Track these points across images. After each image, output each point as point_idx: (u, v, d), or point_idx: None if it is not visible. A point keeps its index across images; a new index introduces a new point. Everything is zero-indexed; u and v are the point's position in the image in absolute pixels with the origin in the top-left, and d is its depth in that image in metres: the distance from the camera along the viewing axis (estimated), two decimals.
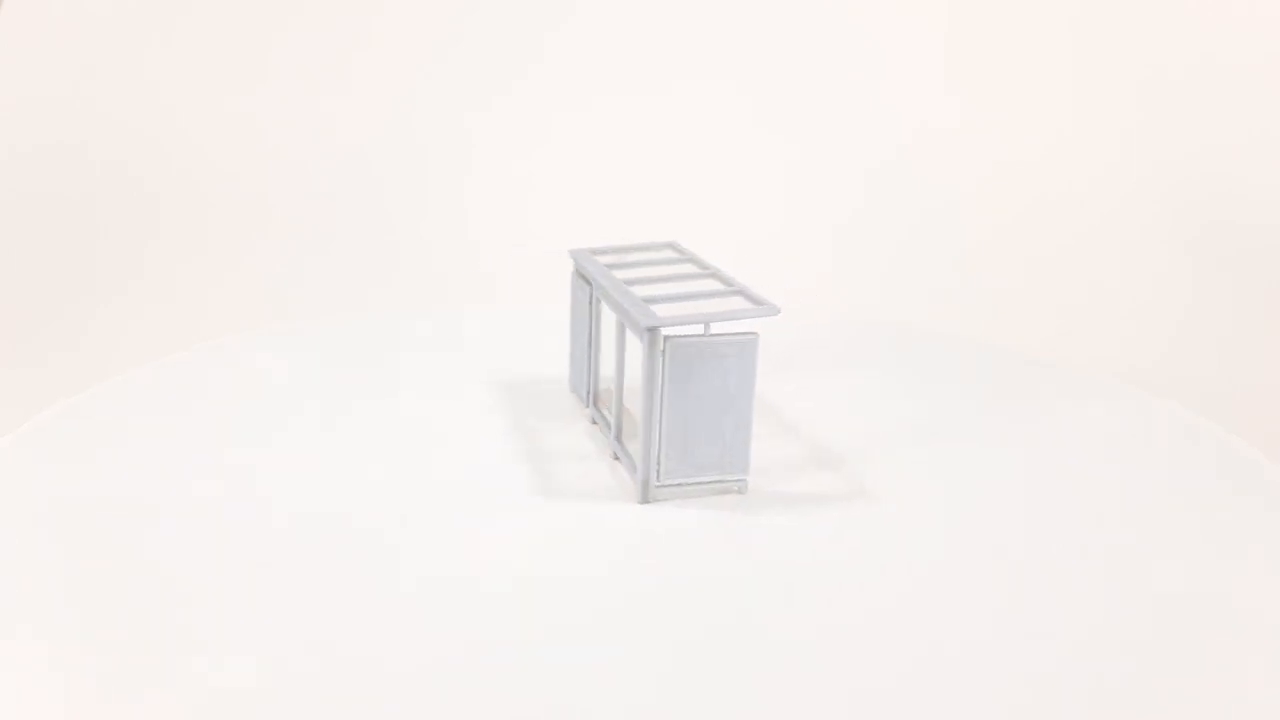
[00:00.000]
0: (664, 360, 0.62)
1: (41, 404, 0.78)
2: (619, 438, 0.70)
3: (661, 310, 0.63)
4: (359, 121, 1.50)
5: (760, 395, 0.80)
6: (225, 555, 0.59)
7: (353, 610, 0.54)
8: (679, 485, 0.65)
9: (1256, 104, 1.38)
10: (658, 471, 0.64)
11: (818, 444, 0.74)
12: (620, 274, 0.71)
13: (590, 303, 0.74)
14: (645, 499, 0.65)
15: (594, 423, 0.76)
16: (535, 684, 0.49)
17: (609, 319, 0.72)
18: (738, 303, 0.66)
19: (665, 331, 0.62)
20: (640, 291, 0.67)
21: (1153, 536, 0.64)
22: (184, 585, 0.56)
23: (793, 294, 0.74)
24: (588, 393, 0.76)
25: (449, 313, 1.05)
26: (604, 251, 0.78)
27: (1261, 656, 0.53)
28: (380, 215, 1.48)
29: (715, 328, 0.63)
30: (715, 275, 0.72)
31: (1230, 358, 1.30)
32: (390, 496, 0.66)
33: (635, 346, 0.64)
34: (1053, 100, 1.46)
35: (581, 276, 0.76)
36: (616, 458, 0.70)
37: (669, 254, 0.78)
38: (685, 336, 0.62)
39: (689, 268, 0.74)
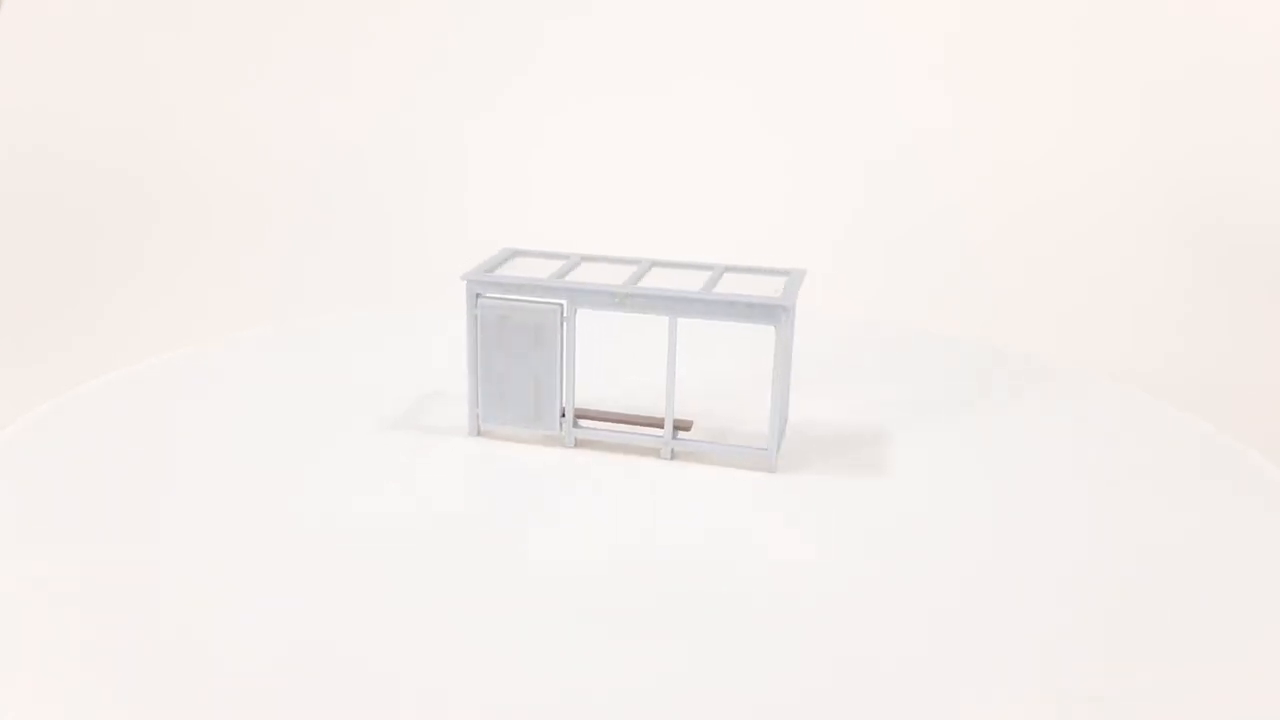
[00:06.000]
0: (782, 337, 0.67)
1: (41, 402, 0.78)
2: (676, 434, 0.71)
3: (771, 292, 0.68)
4: (358, 122, 1.50)
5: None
6: (226, 554, 0.59)
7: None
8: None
9: (1256, 104, 1.38)
10: (778, 444, 0.70)
11: (819, 444, 0.74)
12: (582, 278, 0.71)
13: (560, 320, 0.70)
14: (774, 468, 0.70)
15: (575, 444, 0.73)
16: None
17: (601, 332, 0.74)
18: (773, 276, 0.72)
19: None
20: (675, 286, 0.69)
21: (1152, 536, 0.64)
22: (182, 581, 0.56)
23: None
24: (561, 416, 0.72)
25: (453, 312, 1.04)
26: (491, 268, 0.74)
27: (1261, 655, 0.53)
28: (379, 215, 1.48)
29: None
30: (655, 262, 0.75)
31: (1230, 358, 1.30)
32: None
33: (726, 337, 0.71)
34: (1053, 100, 1.46)
35: (518, 299, 0.71)
36: (674, 455, 0.71)
37: (542, 260, 0.76)
38: (786, 308, 0.68)
39: (615, 265, 0.74)
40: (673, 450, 0.71)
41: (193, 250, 1.43)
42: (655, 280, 0.71)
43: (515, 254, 0.77)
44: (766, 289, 0.68)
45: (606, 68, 1.51)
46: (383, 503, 0.65)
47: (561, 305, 0.71)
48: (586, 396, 0.75)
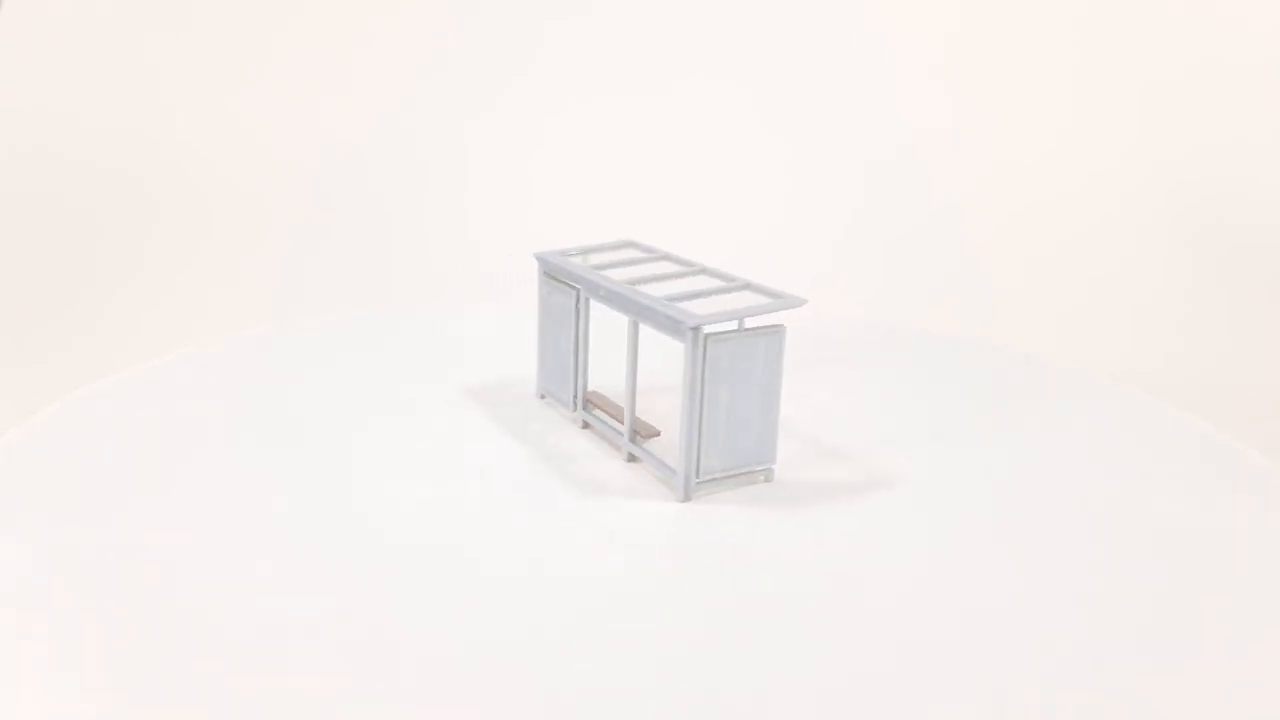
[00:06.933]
0: (704, 358, 0.63)
1: (42, 404, 0.78)
2: (633, 439, 0.70)
3: (697, 309, 0.64)
4: (358, 122, 1.50)
5: None
6: (226, 555, 0.59)
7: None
8: (714, 480, 0.66)
9: (1256, 104, 1.38)
10: (697, 469, 0.65)
11: (821, 443, 0.74)
12: (614, 274, 0.71)
13: (576, 305, 0.73)
14: (687, 497, 0.65)
15: (585, 426, 0.76)
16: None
17: (604, 321, 0.72)
18: (759, 297, 0.67)
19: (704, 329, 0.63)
20: (654, 291, 0.68)
21: (1152, 535, 0.64)
22: (183, 584, 0.56)
23: (792, 294, 0.74)
24: (574, 396, 0.75)
25: (453, 312, 1.05)
26: (570, 253, 0.77)
27: (1260, 654, 0.53)
28: (379, 215, 1.48)
29: (746, 322, 0.64)
30: (705, 271, 0.73)
31: (1230, 358, 1.30)
32: (405, 499, 0.66)
33: (658, 347, 0.65)
34: (1053, 100, 1.46)
35: (557, 280, 0.75)
36: (632, 458, 0.70)
37: (634, 252, 0.78)
38: (721, 333, 0.64)
39: (671, 265, 0.74)
40: (630, 454, 0.71)
41: (193, 250, 1.43)
42: (670, 285, 0.70)
43: (628, 244, 0.80)
44: (719, 306, 0.66)
45: (606, 68, 1.51)
46: (381, 500, 0.65)
47: (578, 291, 0.72)
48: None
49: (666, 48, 1.51)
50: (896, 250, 1.44)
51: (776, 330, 0.65)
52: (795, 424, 0.77)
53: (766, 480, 0.68)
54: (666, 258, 0.76)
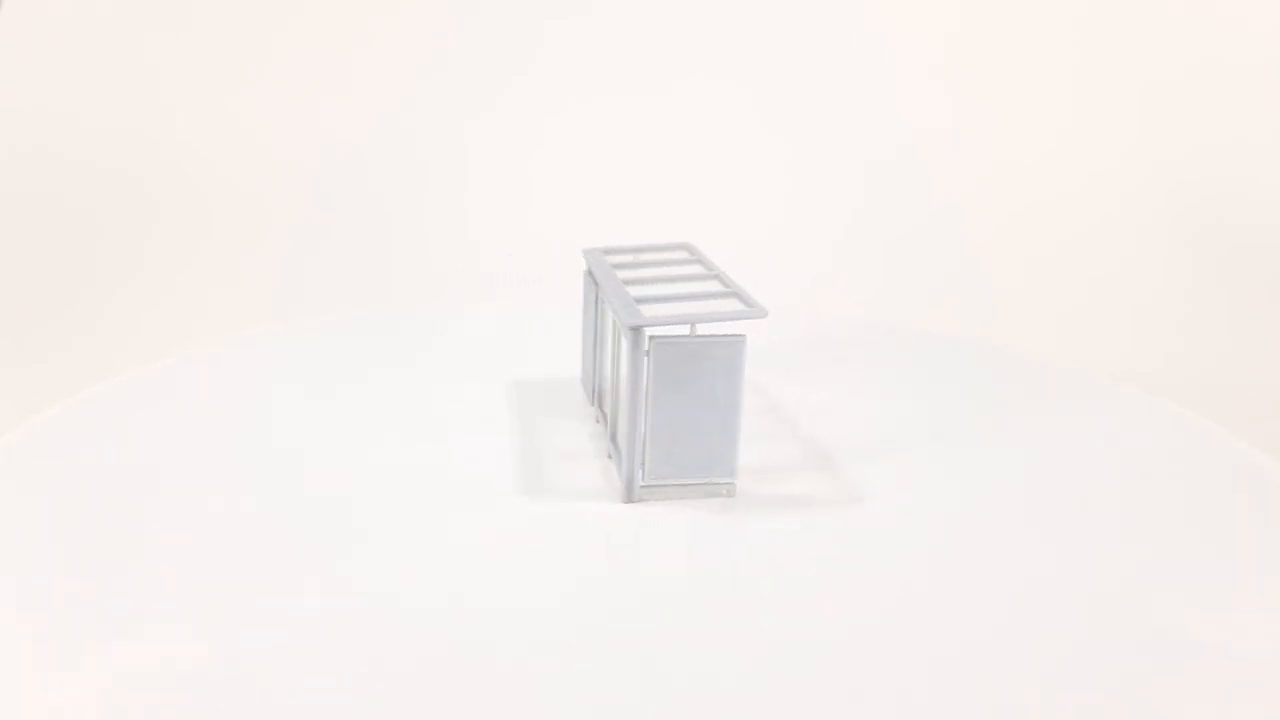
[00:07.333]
0: (649, 360, 0.63)
1: (41, 404, 0.78)
2: (613, 437, 0.70)
3: (648, 310, 0.64)
4: (358, 121, 1.50)
5: (757, 395, 0.80)
6: (223, 555, 0.59)
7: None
8: (664, 486, 0.65)
9: (1256, 104, 1.38)
10: (642, 471, 0.65)
11: (815, 444, 0.74)
12: (623, 274, 0.72)
13: (596, 302, 0.74)
14: (629, 498, 0.65)
15: (598, 421, 0.76)
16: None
17: (610, 318, 0.73)
18: (726, 305, 0.66)
19: (652, 332, 0.63)
20: (635, 291, 0.68)
21: (1152, 537, 0.64)
22: (184, 586, 0.56)
23: (792, 294, 0.74)
24: (593, 391, 0.76)
25: (453, 312, 1.05)
26: (616, 251, 0.78)
27: (1260, 656, 0.53)
28: (380, 214, 1.48)
29: (702, 329, 0.64)
30: (718, 277, 0.72)
31: (1230, 358, 1.30)
32: (383, 494, 0.66)
33: (625, 346, 0.65)
34: (1053, 100, 1.46)
35: (590, 276, 0.76)
36: (610, 456, 0.70)
37: (680, 255, 0.78)
38: (672, 337, 0.63)
39: (695, 269, 0.74)
40: (609, 452, 0.71)
41: (193, 250, 1.43)
42: (662, 288, 0.70)
43: (680, 247, 0.79)
44: (676, 311, 0.65)
45: (606, 68, 1.51)
46: (384, 501, 0.65)
47: (597, 288, 0.73)
48: None
49: (666, 48, 1.51)
50: (896, 250, 1.44)
51: (734, 341, 0.63)
52: (792, 424, 0.77)
53: (729, 495, 0.66)
54: (699, 261, 0.76)
